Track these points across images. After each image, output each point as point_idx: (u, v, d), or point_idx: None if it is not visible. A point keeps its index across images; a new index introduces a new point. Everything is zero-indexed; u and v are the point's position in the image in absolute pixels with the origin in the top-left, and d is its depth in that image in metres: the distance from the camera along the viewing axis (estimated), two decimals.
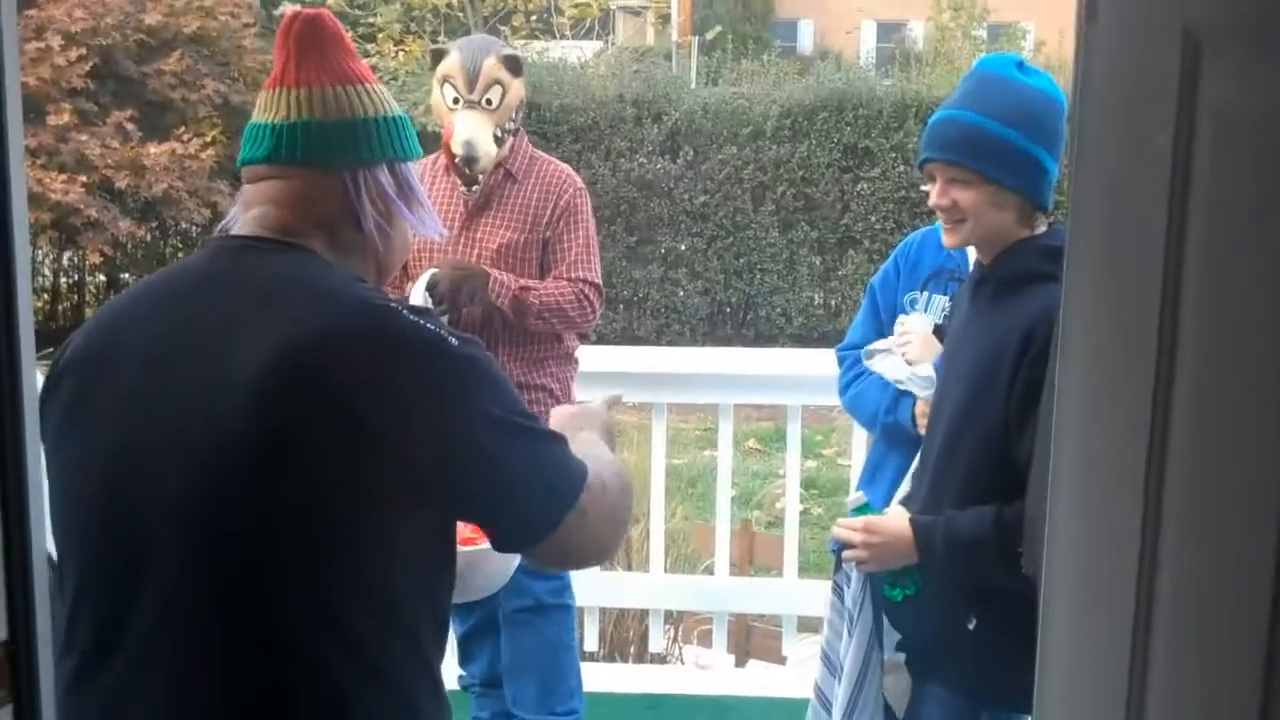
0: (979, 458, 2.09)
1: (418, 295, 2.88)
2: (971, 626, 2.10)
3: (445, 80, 2.99)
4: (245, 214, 1.49)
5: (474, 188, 2.98)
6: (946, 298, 2.59)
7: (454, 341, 1.40)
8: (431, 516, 1.39)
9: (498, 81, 2.96)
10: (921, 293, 2.66)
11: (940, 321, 2.52)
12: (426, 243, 2.95)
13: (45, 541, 1.10)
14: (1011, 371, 2.02)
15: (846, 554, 2.25)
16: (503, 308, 2.91)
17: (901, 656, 2.25)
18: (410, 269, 2.99)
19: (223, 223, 1.53)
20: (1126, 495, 0.91)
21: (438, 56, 3.05)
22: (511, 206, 3.01)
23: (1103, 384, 0.97)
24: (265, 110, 1.50)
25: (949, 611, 2.14)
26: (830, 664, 2.37)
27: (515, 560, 1.76)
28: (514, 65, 3.01)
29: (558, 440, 1.47)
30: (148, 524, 1.35)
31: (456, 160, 2.95)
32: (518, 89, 3.02)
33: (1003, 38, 17.16)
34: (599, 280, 3.05)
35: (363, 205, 1.48)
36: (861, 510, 2.31)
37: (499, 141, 2.97)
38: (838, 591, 2.36)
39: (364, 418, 1.32)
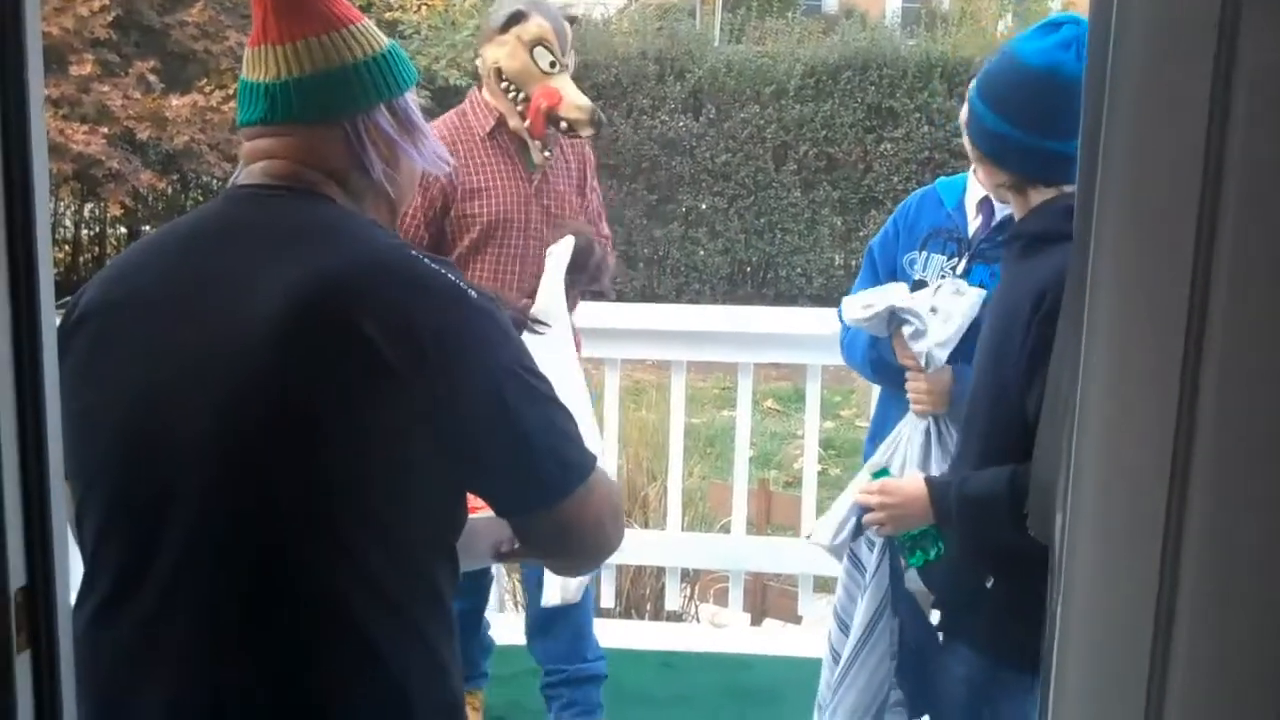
0: (997, 418, 2.08)
1: (560, 261, 2.75)
2: (989, 585, 2.11)
3: (539, 43, 2.90)
4: (251, 167, 1.49)
5: (549, 152, 2.96)
6: (944, 257, 2.58)
7: (473, 294, 1.42)
8: (447, 461, 1.38)
9: (572, 45, 2.99)
10: (920, 253, 2.64)
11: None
12: (511, 211, 2.91)
13: (63, 487, 1.11)
14: (1024, 331, 2.00)
15: (866, 517, 2.28)
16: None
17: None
18: (516, 236, 2.94)
19: (232, 178, 1.53)
20: (1152, 462, 0.90)
21: (516, 19, 2.92)
22: (560, 171, 3.02)
23: (1129, 345, 0.95)
24: (253, 69, 1.48)
25: (969, 570, 2.16)
26: (843, 625, 2.41)
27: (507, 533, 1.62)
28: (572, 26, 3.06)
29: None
30: (171, 465, 1.36)
31: (577, 123, 2.88)
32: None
33: None
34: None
35: (367, 153, 1.48)
36: (880, 475, 2.33)
37: None
38: (854, 560, 2.38)
39: (384, 358, 1.32)
